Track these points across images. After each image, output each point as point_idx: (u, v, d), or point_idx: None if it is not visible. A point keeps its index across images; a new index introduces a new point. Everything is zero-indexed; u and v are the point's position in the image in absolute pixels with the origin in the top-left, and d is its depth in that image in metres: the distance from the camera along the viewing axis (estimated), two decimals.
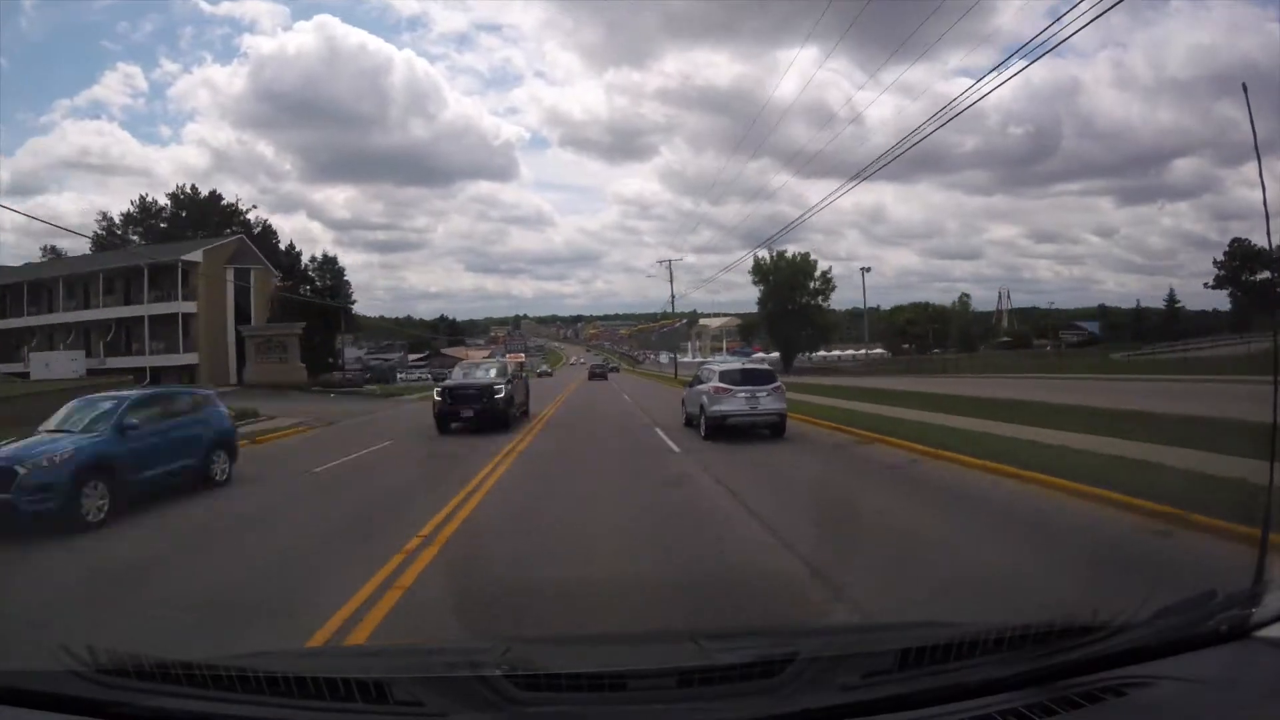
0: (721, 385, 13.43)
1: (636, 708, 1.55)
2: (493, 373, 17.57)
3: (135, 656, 1.63)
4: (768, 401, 13.25)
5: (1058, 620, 1.66)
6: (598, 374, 57.69)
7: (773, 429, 13.56)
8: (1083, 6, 8.84)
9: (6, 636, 4.12)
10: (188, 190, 55.12)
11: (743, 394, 13.23)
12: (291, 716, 1.51)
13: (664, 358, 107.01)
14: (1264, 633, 1.58)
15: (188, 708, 1.51)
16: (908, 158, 17.19)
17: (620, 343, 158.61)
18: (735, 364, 16.09)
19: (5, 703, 1.52)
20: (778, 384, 13.76)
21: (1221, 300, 64.93)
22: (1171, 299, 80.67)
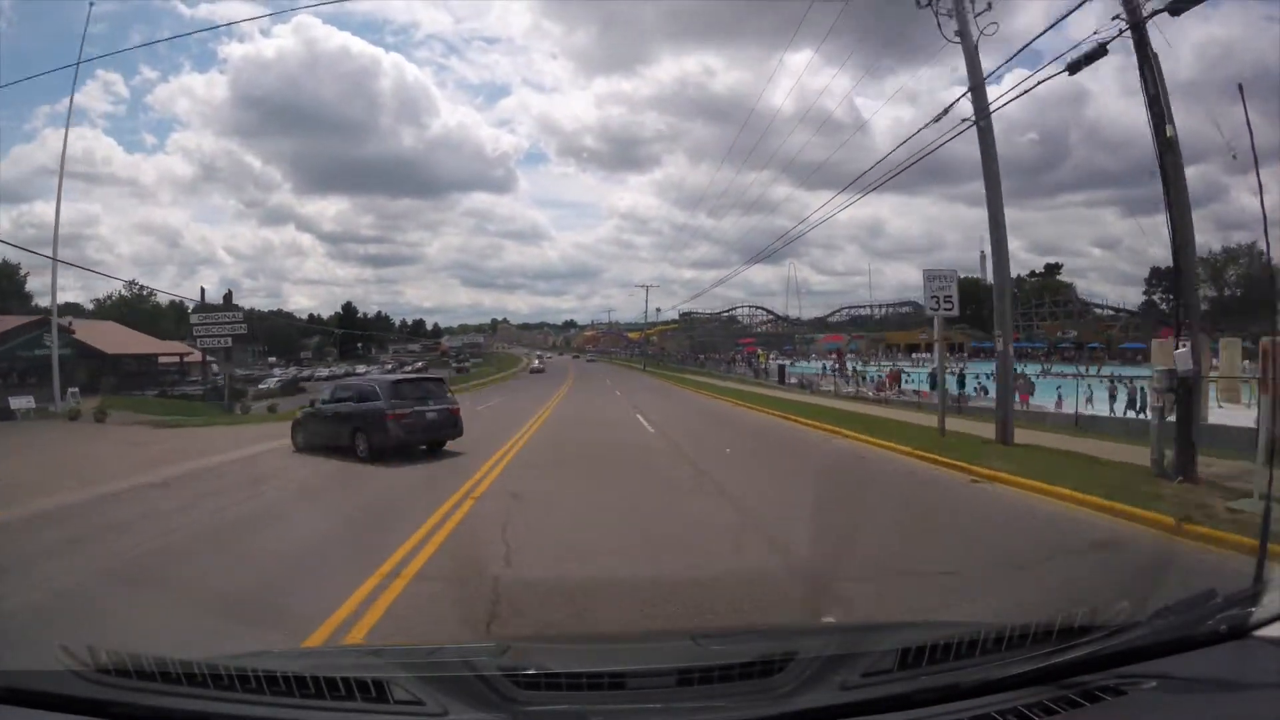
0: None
1: (636, 707, 1.55)
2: None
3: (135, 656, 1.63)
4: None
5: (1058, 620, 1.66)
6: None
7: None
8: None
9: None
10: None
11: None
12: (292, 716, 1.51)
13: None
14: (1264, 632, 1.58)
15: (188, 707, 1.51)
16: (913, 169, 16.49)
17: (627, 347, 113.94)
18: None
19: (5, 702, 1.51)
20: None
21: None
22: None
